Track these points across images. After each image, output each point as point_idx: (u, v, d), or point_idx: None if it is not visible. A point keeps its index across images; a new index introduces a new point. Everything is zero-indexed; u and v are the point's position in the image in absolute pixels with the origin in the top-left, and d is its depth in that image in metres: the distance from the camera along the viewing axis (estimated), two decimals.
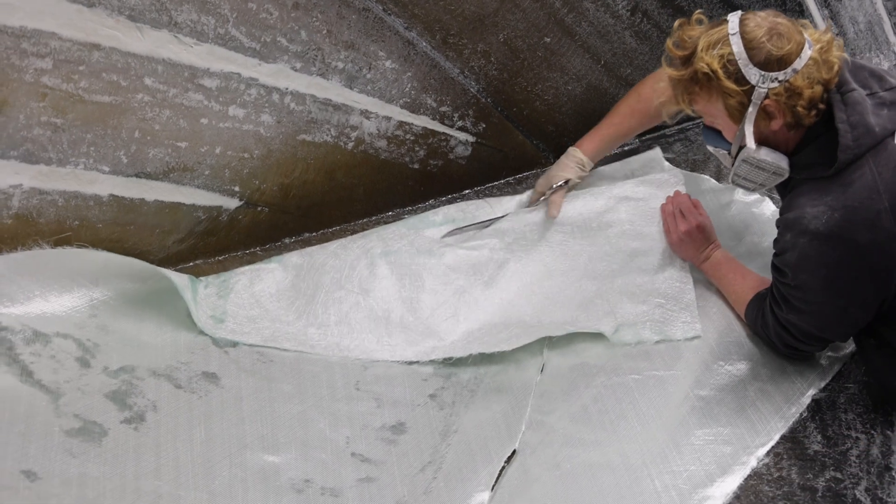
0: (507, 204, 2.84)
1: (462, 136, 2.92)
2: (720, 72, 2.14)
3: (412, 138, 2.82)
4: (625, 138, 2.86)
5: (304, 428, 2.22)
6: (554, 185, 2.70)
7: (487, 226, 2.71)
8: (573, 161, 2.74)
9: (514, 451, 2.22)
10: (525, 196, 2.84)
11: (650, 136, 3.33)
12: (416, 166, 2.89)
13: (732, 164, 2.33)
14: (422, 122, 2.81)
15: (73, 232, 2.33)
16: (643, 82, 2.75)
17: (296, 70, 2.48)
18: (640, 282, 2.63)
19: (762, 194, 2.91)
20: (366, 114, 2.68)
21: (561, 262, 2.66)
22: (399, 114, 2.75)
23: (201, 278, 2.47)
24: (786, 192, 2.32)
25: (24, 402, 2.04)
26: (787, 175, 2.26)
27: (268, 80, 2.44)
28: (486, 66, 2.83)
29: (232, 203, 2.58)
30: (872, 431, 2.34)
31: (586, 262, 2.66)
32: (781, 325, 2.36)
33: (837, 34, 3.37)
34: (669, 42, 2.28)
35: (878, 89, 2.21)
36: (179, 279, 2.38)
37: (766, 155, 2.23)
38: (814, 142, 2.21)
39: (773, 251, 2.32)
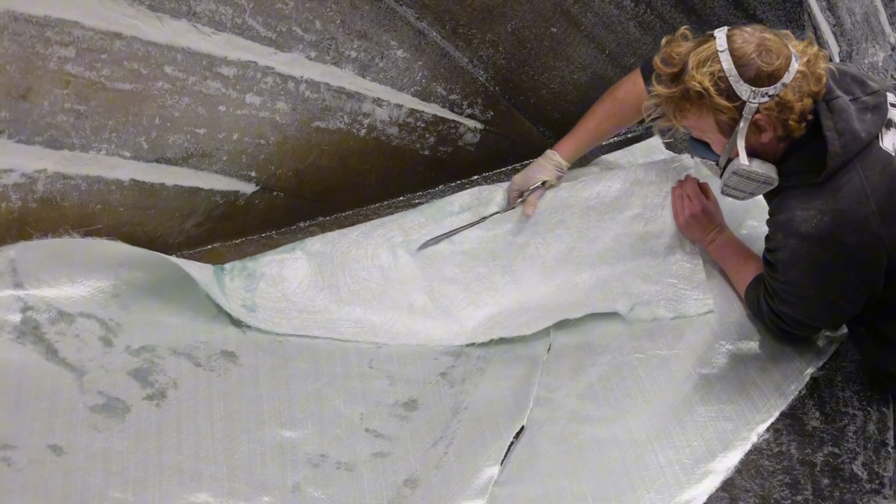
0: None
1: (471, 123, 2.93)
2: (712, 89, 2.12)
3: (423, 125, 2.82)
4: (600, 141, 2.83)
5: (320, 404, 2.23)
6: (531, 186, 2.66)
7: (457, 232, 2.66)
8: (551, 163, 2.69)
9: (522, 427, 2.23)
10: (501, 196, 2.78)
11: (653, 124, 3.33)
12: (427, 153, 2.90)
13: (721, 176, 2.32)
14: (432, 109, 2.81)
15: (96, 215, 2.34)
16: (618, 85, 2.71)
17: (310, 59, 2.48)
18: (653, 263, 2.64)
19: None
20: (378, 102, 2.68)
21: (577, 246, 2.66)
22: (410, 102, 2.75)
23: (225, 267, 2.46)
24: (772, 195, 2.32)
25: (50, 379, 2.05)
26: (776, 184, 2.26)
27: (283, 69, 2.45)
28: (495, 55, 2.83)
29: (248, 188, 2.59)
30: (869, 408, 2.35)
31: (601, 246, 2.66)
32: (775, 314, 2.38)
33: (834, 26, 3.37)
34: (657, 59, 2.26)
35: (860, 94, 2.21)
36: (203, 274, 2.37)
37: (757, 167, 2.22)
38: (801, 149, 2.20)
39: (766, 247, 2.33)
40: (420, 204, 2.87)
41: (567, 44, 2.94)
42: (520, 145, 3.09)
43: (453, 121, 2.88)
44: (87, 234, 2.34)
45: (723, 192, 2.37)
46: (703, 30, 2.24)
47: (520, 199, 2.68)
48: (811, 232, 2.16)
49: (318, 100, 2.56)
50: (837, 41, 3.36)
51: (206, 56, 2.31)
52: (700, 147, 2.34)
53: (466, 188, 2.95)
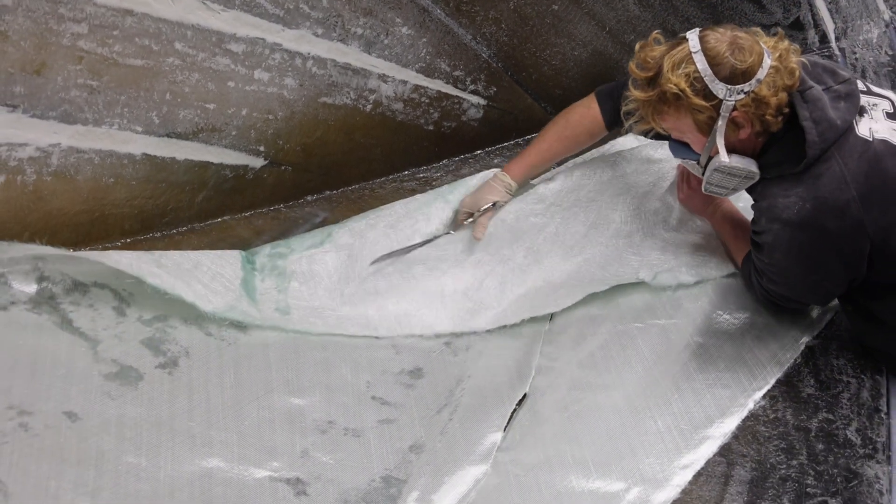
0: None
1: (474, 99, 2.92)
2: (688, 90, 2.12)
3: (427, 101, 2.82)
4: (551, 163, 2.74)
5: (327, 373, 2.23)
6: (482, 208, 2.58)
7: (411, 250, 2.56)
8: (501, 185, 2.62)
9: (524, 395, 2.24)
10: (449, 214, 2.68)
11: None
12: (431, 128, 2.89)
13: (703, 174, 2.31)
14: (436, 85, 2.81)
15: (109, 189, 2.34)
16: (572, 108, 2.65)
17: (317, 36, 2.47)
18: (668, 236, 2.65)
19: None
20: (383, 78, 2.67)
21: (596, 224, 2.66)
22: (415, 78, 2.74)
23: (255, 266, 2.41)
24: (754, 185, 2.30)
25: (65, 348, 2.05)
26: (757, 178, 2.25)
27: (291, 46, 2.44)
28: (498, 32, 2.82)
29: (257, 162, 2.58)
30: (862, 376, 2.36)
31: (619, 223, 2.66)
32: (764, 290, 2.38)
33: (830, 3, 3.36)
34: (632, 64, 2.25)
35: (832, 83, 2.21)
36: (231, 257, 2.36)
37: (737, 162, 2.21)
38: (779, 142, 2.20)
39: (752, 229, 2.33)
40: (425, 178, 2.88)
41: (568, 21, 2.93)
42: (522, 121, 3.08)
43: (457, 96, 2.87)
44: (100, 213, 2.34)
45: (705, 190, 2.35)
46: (700, 8, 2.24)
47: (469, 220, 2.59)
48: (793, 218, 2.16)
49: (324, 76, 2.55)
50: (833, 18, 3.35)
51: (215, 33, 2.30)
52: (680, 148, 2.33)
53: (470, 162, 2.96)
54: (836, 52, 3.34)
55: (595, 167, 2.72)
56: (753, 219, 2.31)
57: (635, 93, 2.24)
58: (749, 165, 2.22)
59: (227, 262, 2.35)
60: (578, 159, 2.76)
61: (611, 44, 3.08)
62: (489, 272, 2.56)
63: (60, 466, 1.81)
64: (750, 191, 2.33)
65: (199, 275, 2.26)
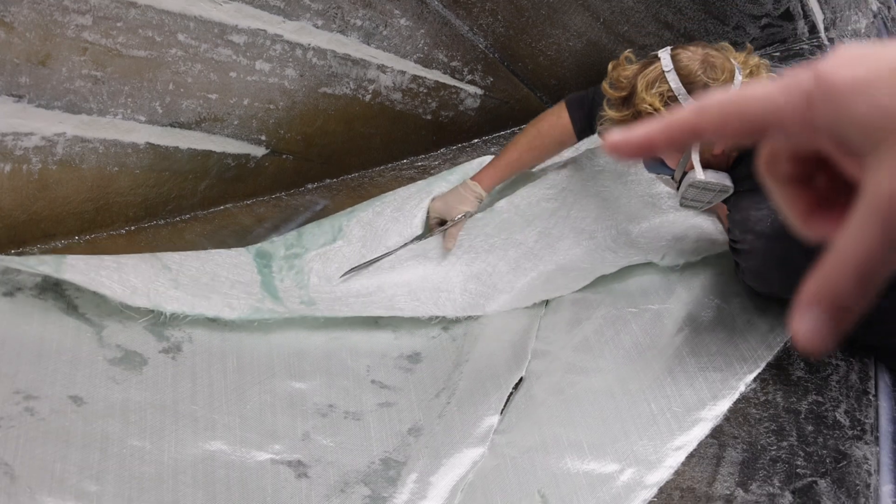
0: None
1: (471, 89, 2.91)
2: (662, 109, 2.10)
3: (425, 91, 2.80)
4: (520, 172, 2.70)
5: (328, 358, 2.23)
6: (455, 218, 2.53)
7: (378, 260, 2.51)
8: (472, 194, 2.56)
9: (521, 379, 2.23)
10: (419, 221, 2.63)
11: None
12: (429, 117, 2.88)
13: (678, 189, 2.28)
14: (434, 76, 2.79)
15: (113, 177, 2.32)
16: (542, 118, 2.61)
17: (317, 27, 2.45)
18: (672, 219, 2.66)
19: None
20: (382, 68, 2.66)
21: (606, 207, 2.66)
22: (413, 68, 2.73)
23: (273, 270, 2.39)
24: (729, 197, 2.28)
25: (71, 333, 2.04)
26: (732, 191, 2.22)
27: (292, 37, 2.43)
28: (494, 23, 2.80)
29: (259, 151, 2.57)
30: (851, 359, 2.35)
31: (627, 207, 2.67)
32: (747, 286, 2.38)
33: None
34: (605, 84, 2.25)
35: None
36: (246, 265, 2.35)
37: (712, 177, 2.18)
38: (750, 155, 2.16)
39: (728, 237, 2.32)
40: (423, 166, 2.87)
41: (563, 12, 2.92)
42: (518, 110, 3.07)
43: (454, 86, 2.86)
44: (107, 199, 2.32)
45: (681, 205, 2.31)
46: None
47: (440, 229, 2.55)
48: (766, 230, 2.15)
49: (324, 66, 2.54)
50: (822, 9, 3.33)
51: (217, 24, 2.28)
52: (654, 164, 2.31)
53: (467, 151, 2.95)
54: (826, 42, 3.33)
55: (596, 161, 2.71)
56: (729, 228, 2.30)
57: (610, 112, 2.22)
58: (723, 180, 2.19)
59: (243, 269, 2.33)
60: (591, 145, 2.74)
61: (605, 34, 3.06)
62: (502, 256, 2.55)
63: (66, 449, 1.80)
64: (725, 202, 2.32)
65: (218, 286, 2.24)
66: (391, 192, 2.62)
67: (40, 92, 2.10)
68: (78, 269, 2.05)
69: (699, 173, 2.17)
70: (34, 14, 2.01)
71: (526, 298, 2.47)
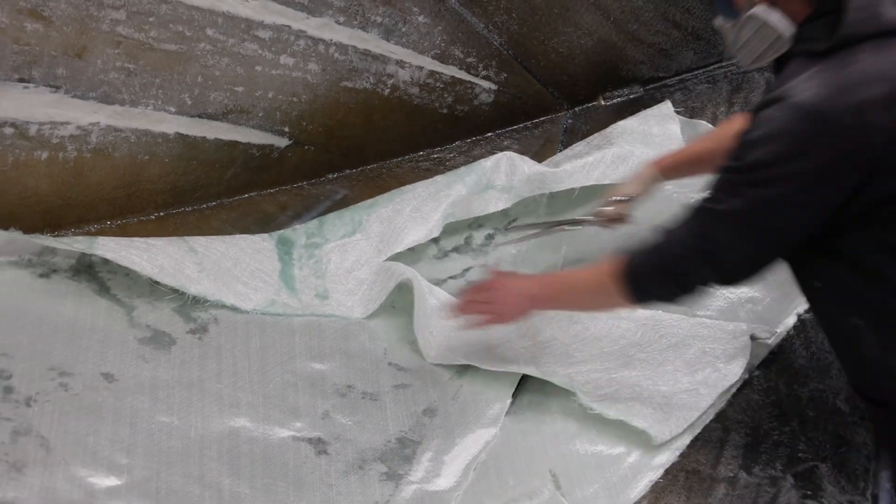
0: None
1: (486, 84, 2.92)
2: None
3: (441, 86, 2.81)
4: (699, 161, 2.34)
5: (347, 340, 2.24)
6: (618, 197, 2.36)
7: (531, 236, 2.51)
8: (646, 174, 2.37)
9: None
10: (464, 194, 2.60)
11: (653, 86, 3.32)
12: (445, 111, 2.89)
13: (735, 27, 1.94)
14: (450, 71, 2.80)
15: (144, 165, 2.34)
16: (734, 118, 2.41)
17: (339, 23, 2.47)
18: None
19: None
20: (401, 63, 2.67)
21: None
22: (430, 64, 2.74)
23: (293, 257, 2.40)
24: (779, 74, 1.89)
25: (103, 313, 2.06)
26: (786, 46, 1.84)
27: (315, 33, 2.44)
28: (508, 21, 2.82)
29: (282, 142, 2.58)
30: None
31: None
32: (702, 255, 1.81)
33: None
34: None
35: None
36: (268, 252, 2.35)
37: (776, 19, 1.84)
38: (821, 18, 1.80)
39: (729, 158, 1.79)
40: (439, 158, 2.88)
41: (575, 10, 2.93)
42: (531, 105, 3.08)
43: (469, 82, 2.87)
44: (134, 187, 2.35)
45: (733, 49, 1.97)
46: None
47: (603, 208, 2.38)
48: (806, 99, 1.67)
49: (346, 61, 2.55)
50: None
51: (244, 20, 2.29)
52: (725, 6, 1.96)
53: (481, 144, 2.96)
54: None
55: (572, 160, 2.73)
56: (744, 131, 1.78)
57: None
58: (785, 28, 1.84)
59: (265, 256, 2.34)
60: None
61: (615, 33, 3.07)
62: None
63: (98, 424, 1.82)
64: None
65: (239, 273, 2.25)
66: (410, 189, 2.59)
67: (76, 83, 2.12)
68: (109, 247, 2.07)
69: (763, 6, 1.86)
70: (71, 9, 2.02)
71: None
